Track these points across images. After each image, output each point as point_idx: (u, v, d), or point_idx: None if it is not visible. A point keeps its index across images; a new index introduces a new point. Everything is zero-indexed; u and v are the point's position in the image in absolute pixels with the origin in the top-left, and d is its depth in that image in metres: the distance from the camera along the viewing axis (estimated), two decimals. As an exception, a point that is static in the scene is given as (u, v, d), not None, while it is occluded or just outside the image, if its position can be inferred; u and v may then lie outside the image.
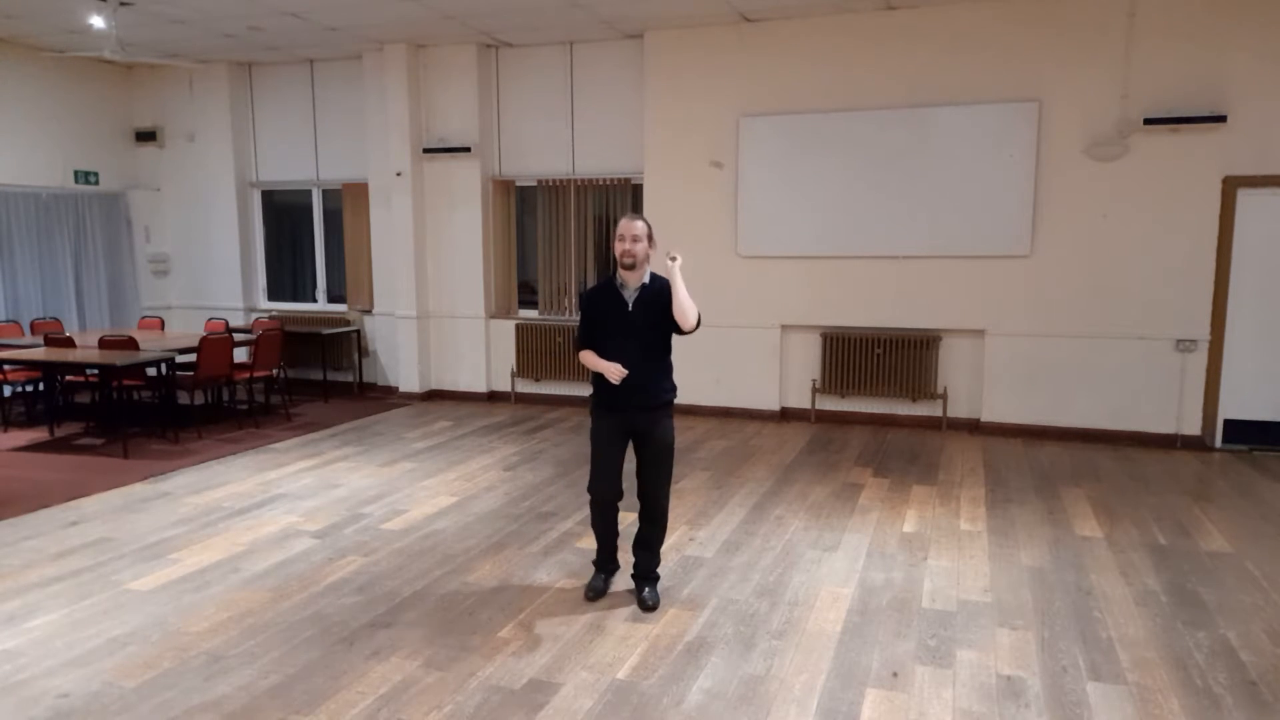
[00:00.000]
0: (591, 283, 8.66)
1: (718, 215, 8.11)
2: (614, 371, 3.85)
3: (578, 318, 4.04)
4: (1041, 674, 3.42)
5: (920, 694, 3.27)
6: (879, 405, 7.92)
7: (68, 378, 7.88)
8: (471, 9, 7.46)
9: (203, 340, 7.35)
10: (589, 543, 4.50)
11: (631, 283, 3.93)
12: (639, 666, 3.48)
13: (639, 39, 8.24)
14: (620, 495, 4.06)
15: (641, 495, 4.10)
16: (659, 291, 3.93)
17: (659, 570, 4.19)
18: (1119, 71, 6.92)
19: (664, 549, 4.74)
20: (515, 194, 9.12)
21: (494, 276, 9.11)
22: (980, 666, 3.48)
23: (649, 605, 4.01)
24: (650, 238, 3.91)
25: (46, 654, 3.59)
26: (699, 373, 8.12)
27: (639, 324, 3.90)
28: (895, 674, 3.42)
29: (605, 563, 4.22)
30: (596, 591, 4.15)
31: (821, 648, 3.63)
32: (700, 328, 3.96)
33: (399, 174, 8.92)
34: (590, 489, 4.06)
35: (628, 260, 3.86)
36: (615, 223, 8.99)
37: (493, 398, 9.16)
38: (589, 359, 3.97)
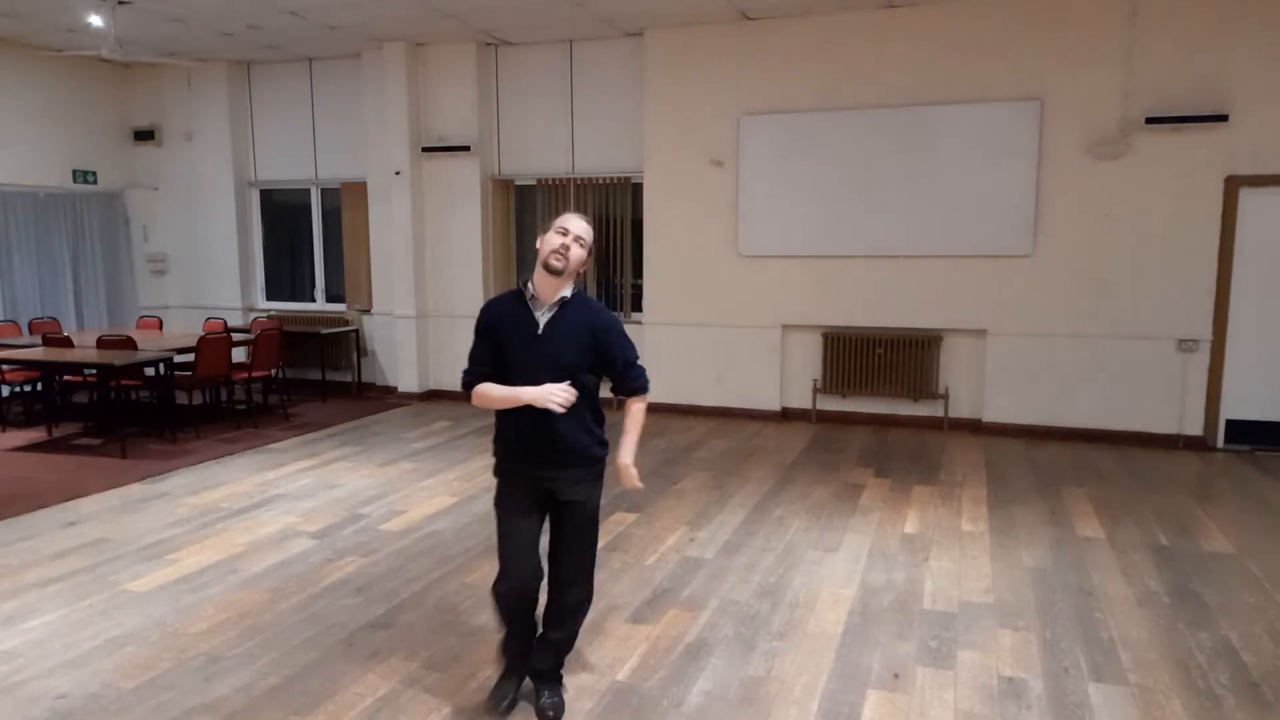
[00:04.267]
0: (591, 285, 8.64)
1: (718, 215, 8.09)
2: (550, 398, 2.80)
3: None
4: (1043, 675, 3.40)
5: (921, 695, 3.26)
6: (880, 405, 7.91)
7: (66, 377, 7.86)
8: (471, 7, 7.44)
9: (201, 340, 7.33)
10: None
11: (546, 296, 2.92)
12: (639, 668, 3.46)
13: (639, 37, 8.22)
14: (541, 578, 3.04)
15: (551, 583, 3.05)
16: (583, 320, 2.92)
17: (563, 672, 3.20)
18: (1121, 70, 6.91)
19: (664, 549, 4.75)
20: (514, 193, 9.11)
21: (493, 276, 9.08)
22: (982, 667, 3.46)
23: (549, 715, 3.06)
24: (589, 250, 2.99)
25: (44, 655, 3.57)
26: (699, 373, 8.06)
27: (550, 352, 2.88)
28: (896, 675, 3.40)
29: (518, 665, 3.18)
30: (509, 700, 3.13)
31: (822, 649, 3.62)
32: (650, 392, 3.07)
33: (398, 173, 8.90)
34: (500, 578, 3.02)
35: (557, 262, 2.87)
36: (615, 222, 9.13)
37: (492, 397, 9.13)
38: (491, 392, 2.92)
